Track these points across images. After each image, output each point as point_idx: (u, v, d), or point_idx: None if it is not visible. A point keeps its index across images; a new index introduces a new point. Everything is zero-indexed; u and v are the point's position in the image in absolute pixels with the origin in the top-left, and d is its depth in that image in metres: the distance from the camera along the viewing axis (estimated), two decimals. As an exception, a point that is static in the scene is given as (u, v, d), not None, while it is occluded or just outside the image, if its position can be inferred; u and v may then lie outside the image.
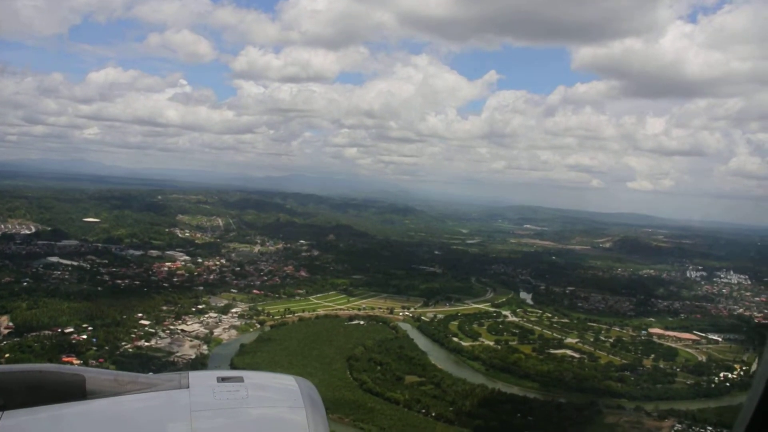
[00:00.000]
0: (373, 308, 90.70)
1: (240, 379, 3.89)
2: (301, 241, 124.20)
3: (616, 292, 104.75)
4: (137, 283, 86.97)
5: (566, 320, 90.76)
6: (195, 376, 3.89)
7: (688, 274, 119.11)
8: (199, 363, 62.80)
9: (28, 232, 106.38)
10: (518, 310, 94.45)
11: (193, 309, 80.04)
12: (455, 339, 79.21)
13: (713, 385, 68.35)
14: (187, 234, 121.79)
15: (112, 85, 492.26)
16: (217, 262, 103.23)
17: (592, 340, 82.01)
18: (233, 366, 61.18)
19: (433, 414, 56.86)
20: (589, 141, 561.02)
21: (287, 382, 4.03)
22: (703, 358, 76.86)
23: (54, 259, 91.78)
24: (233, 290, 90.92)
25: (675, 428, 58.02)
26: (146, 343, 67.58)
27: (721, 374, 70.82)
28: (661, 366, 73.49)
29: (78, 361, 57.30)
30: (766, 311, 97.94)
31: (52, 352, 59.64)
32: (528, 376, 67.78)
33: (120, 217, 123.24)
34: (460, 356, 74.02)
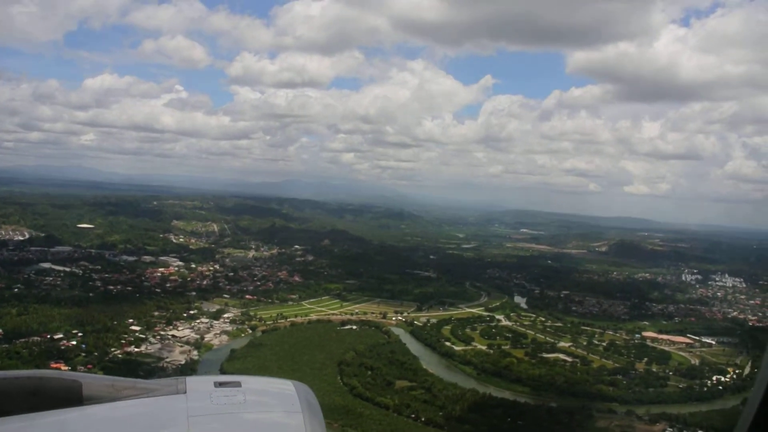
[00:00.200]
0: (366, 313, 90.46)
1: (237, 384, 3.87)
2: (296, 247, 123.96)
3: (610, 295, 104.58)
4: (129, 288, 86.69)
5: (560, 324, 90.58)
6: (192, 382, 3.87)
7: (683, 278, 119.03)
8: (189, 369, 62.62)
9: (21, 238, 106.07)
10: (512, 314, 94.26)
11: (185, 314, 79.80)
12: (448, 343, 78.97)
13: (705, 389, 68.23)
14: (181, 239, 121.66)
15: (107, 91, 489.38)
16: (211, 268, 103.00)
17: (585, 343, 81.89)
18: (223, 371, 61.03)
19: (423, 419, 56.67)
20: (586, 145, 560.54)
21: (285, 386, 4.02)
22: (696, 361, 76.66)
23: (46, 265, 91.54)
24: (226, 295, 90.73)
25: (666, 432, 57.82)
26: (136, 349, 67.36)
27: (714, 377, 70.66)
28: (654, 369, 73.35)
29: (66, 367, 57.02)
30: (760, 314, 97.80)
31: (40, 359, 59.30)
32: (519, 380, 67.56)
33: (114, 223, 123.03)
34: (452, 361, 73.82)
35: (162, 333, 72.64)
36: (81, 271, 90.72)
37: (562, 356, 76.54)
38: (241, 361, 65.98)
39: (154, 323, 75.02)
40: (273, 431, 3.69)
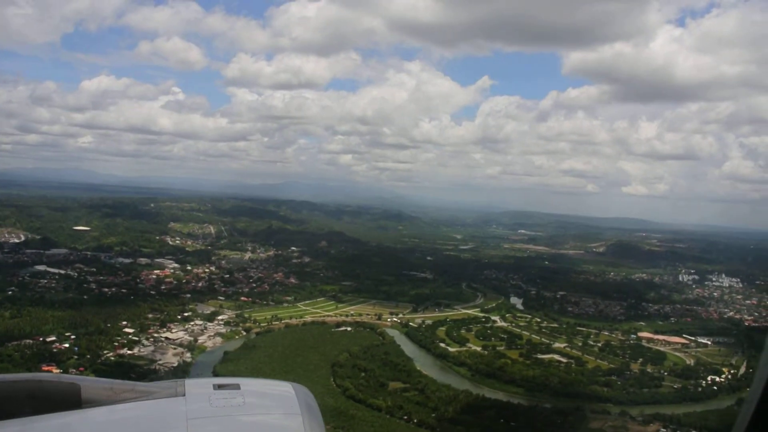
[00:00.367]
0: (361, 314, 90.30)
1: (236, 387, 3.87)
2: (293, 248, 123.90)
3: (607, 296, 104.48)
4: (124, 291, 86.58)
5: (555, 325, 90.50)
6: (191, 384, 3.87)
7: (680, 278, 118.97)
8: (181, 371, 62.40)
9: (16, 240, 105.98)
10: (507, 315, 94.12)
11: (179, 317, 79.63)
12: (442, 345, 78.76)
13: (700, 389, 68.03)
14: (177, 241, 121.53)
15: (105, 93, 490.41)
16: (207, 270, 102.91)
17: (580, 344, 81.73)
18: (216, 373, 60.77)
19: (415, 420, 56.40)
20: (583, 146, 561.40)
21: (283, 388, 4.02)
22: (691, 361, 76.50)
23: (41, 267, 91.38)
24: (221, 297, 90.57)
25: (659, 433, 57.63)
26: (129, 352, 67.13)
27: (709, 378, 70.47)
28: (649, 370, 73.13)
29: (58, 370, 56.83)
30: (756, 314, 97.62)
31: (32, 361, 59.14)
32: (514, 381, 67.33)
33: (111, 225, 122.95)
34: (447, 362, 73.58)
35: (155, 335, 72.43)
36: (76, 274, 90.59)
37: (556, 357, 76.37)
38: (234, 363, 65.78)
39: (147, 325, 74.84)
40: None
